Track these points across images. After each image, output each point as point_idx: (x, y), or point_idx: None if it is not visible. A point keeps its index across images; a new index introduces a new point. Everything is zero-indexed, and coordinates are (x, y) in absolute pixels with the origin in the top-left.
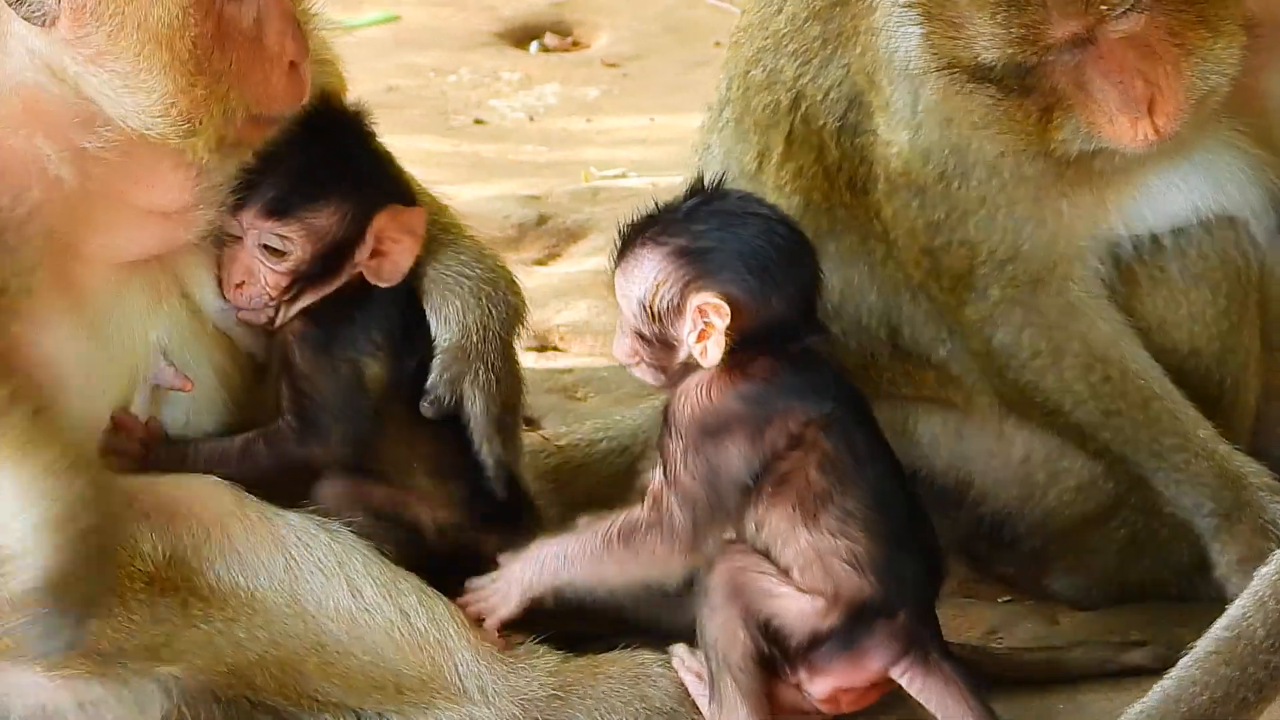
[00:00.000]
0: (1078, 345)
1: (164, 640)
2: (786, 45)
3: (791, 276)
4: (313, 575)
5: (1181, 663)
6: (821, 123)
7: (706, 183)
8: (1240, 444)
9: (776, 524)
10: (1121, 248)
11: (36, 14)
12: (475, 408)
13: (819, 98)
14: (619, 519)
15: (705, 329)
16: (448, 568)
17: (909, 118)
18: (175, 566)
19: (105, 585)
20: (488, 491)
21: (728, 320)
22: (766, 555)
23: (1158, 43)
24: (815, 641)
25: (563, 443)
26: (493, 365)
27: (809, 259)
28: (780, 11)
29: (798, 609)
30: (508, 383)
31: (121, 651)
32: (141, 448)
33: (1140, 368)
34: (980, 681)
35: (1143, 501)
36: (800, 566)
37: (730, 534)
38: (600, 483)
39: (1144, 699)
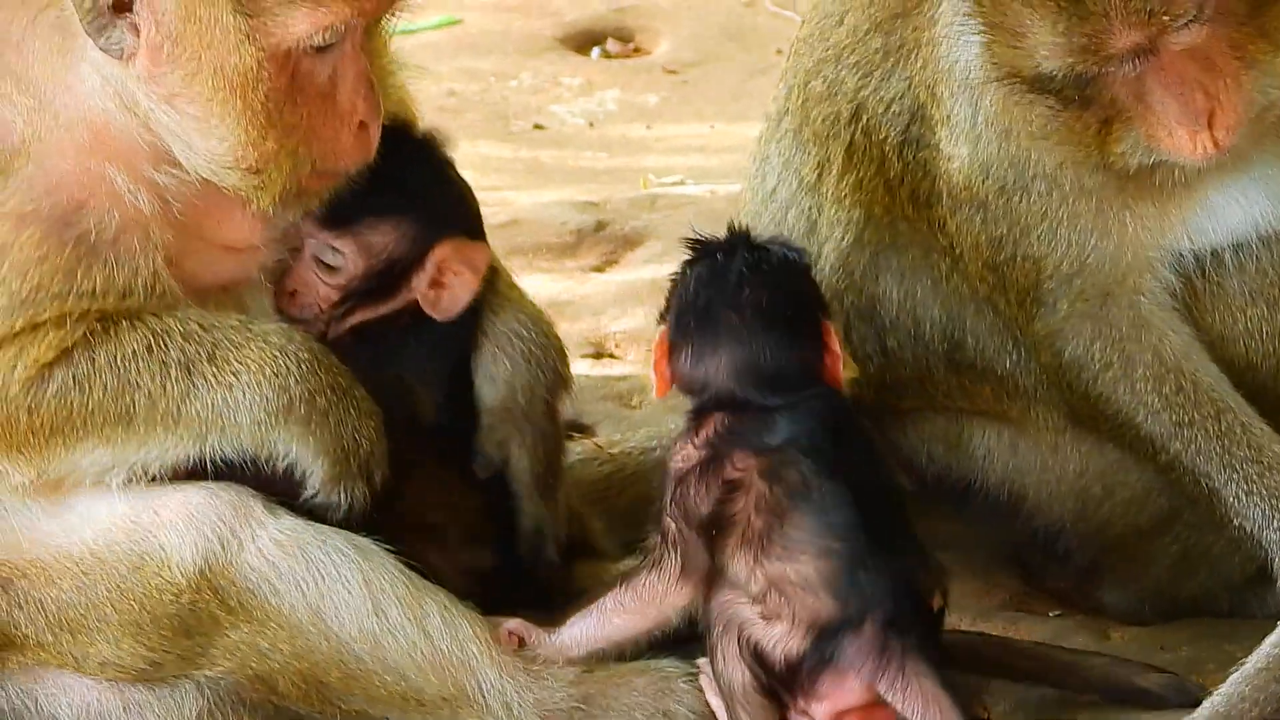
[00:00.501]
0: (1150, 357)
1: (199, 649)
2: (847, 57)
3: (729, 351)
4: (337, 593)
5: (1231, 679)
6: (883, 135)
7: (742, 236)
8: None
9: (737, 559)
10: (1184, 261)
11: (115, 46)
12: (520, 468)
13: (880, 110)
14: (625, 577)
15: (657, 362)
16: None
17: (969, 131)
18: (206, 577)
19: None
20: (513, 564)
21: (664, 360)
22: (739, 588)
23: (1218, 55)
24: (792, 665)
25: (615, 450)
26: (539, 429)
27: (758, 339)
28: (841, 23)
29: (769, 636)
30: (551, 448)
31: (159, 666)
32: None
33: (1212, 380)
34: (967, 698)
35: (1196, 517)
36: (760, 594)
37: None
38: (652, 490)
39: (1193, 713)
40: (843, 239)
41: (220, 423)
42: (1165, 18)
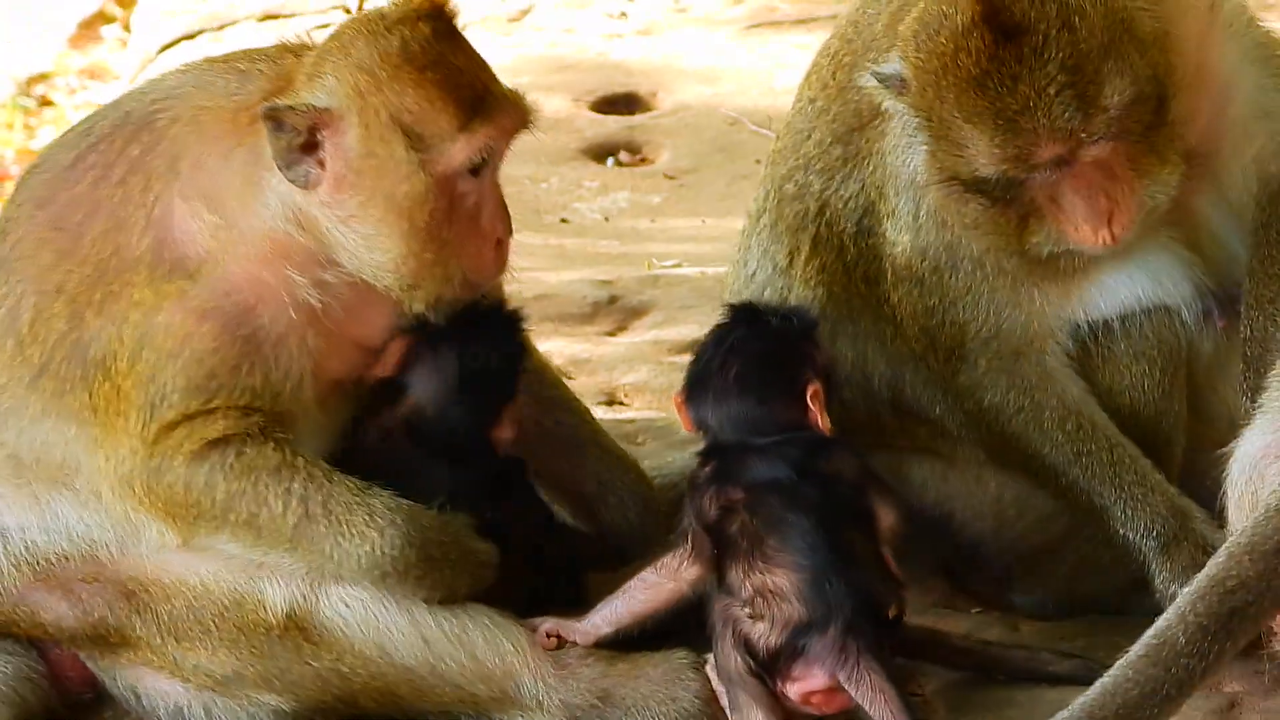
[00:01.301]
0: (1055, 402)
1: (278, 674)
2: (814, 164)
3: (725, 411)
4: (391, 631)
5: (1118, 663)
6: (841, 227)
7: (748, 310)
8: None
9: (732, 571)
10: (1080, 329)
11: (301, 178)
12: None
13: (840, 206)
14: (651, 560)
15: (678, 407)
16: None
17: (911, 222)
18: (292, 619)
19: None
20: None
21: (681, 407)
22: (734, 594)
23: (1119, 166)
24: (772, 655)
25: None
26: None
27: (750, 401)
28: (809, 138)
29: (756, 632)
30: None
31: (241, 678)
32: None
33: (1104, 421)
34: (911, 696)
35: (1091, 534)
36: (749, 599)
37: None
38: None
39: (1087, 692)
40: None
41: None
42: (1082, 135)
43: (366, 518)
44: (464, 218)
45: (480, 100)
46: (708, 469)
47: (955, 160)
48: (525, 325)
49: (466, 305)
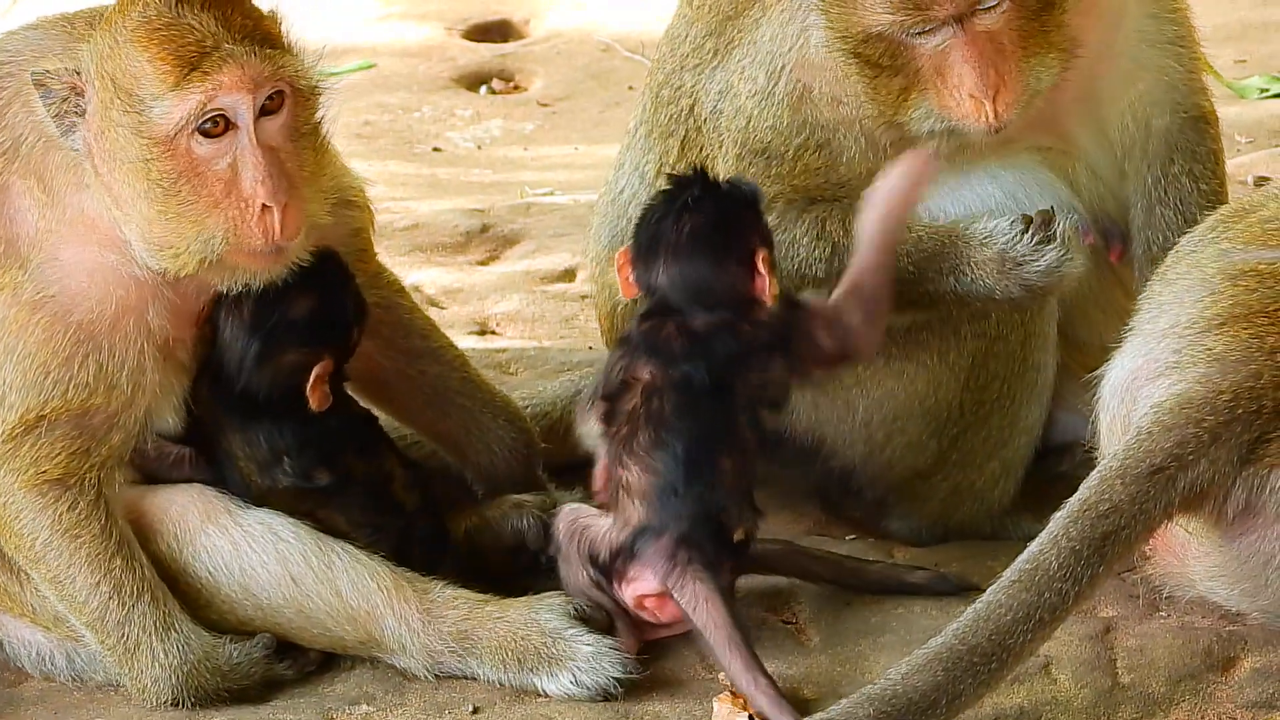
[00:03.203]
0: None
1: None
2: (689, 62)
3: (676, 269)
4: (258, 572)
5: (991, 588)
6: (703, 116)
7: (700, 174)
8: (1041, 417)
9: (608, 450)
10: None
11: (76, 144)
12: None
13: (704, 97)
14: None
15: (620, 268)
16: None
17: (765, 98)
18: (159, 565)
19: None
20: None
21: (624, 269)
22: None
23: (1008, 42)
24: (613, 555)
25: None
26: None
27: (697, 264)
28: (686, 38)
29: (603, 529)
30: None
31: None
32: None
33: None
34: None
35: (962, 458)
36: (612, 491)
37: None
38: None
39: (961, 617)
40: None
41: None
42: None
43: (149, 659)
44: (213, 180)
45: (200, 59)
46: (639, 332)
47: (849, 17)
48: (348, 288)
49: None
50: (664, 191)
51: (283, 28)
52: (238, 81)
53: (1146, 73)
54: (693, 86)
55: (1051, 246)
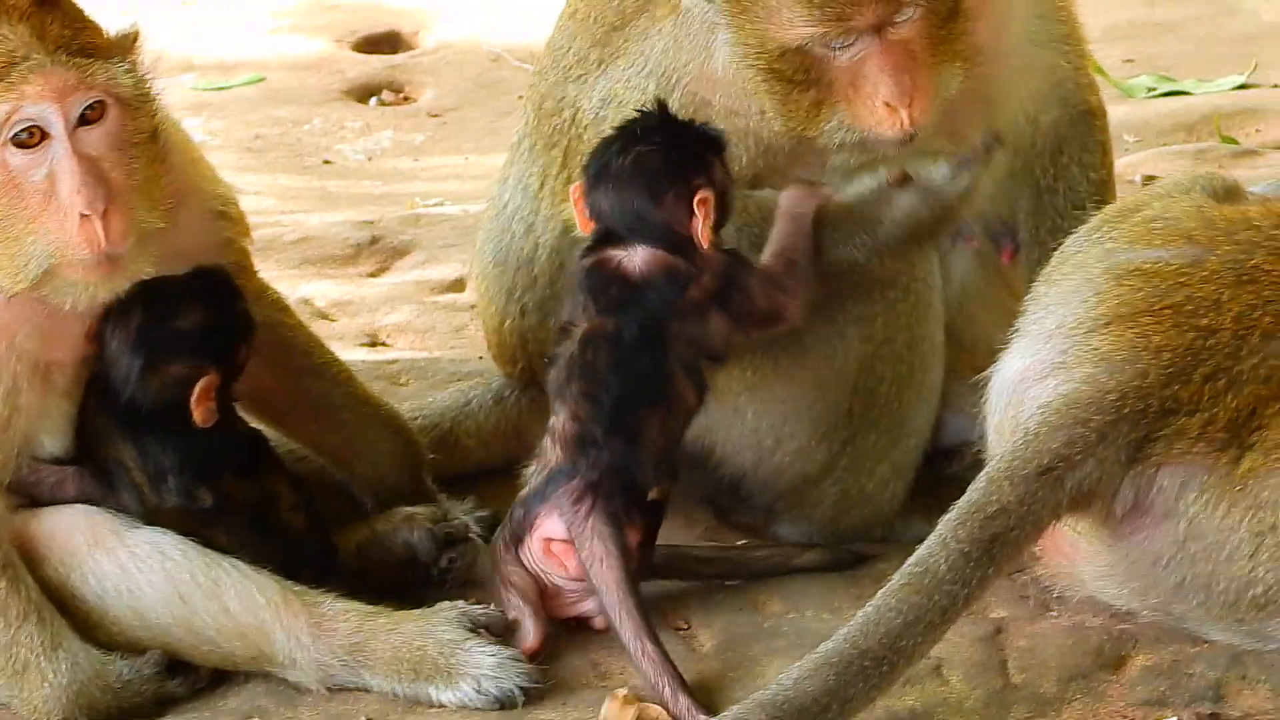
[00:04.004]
0: None
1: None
2: (573, 73)
3: (617, 195)
4: (146, 591)
5: (881, 593)
6: (586, 123)
7: (662, 112)
8: (929, 420)
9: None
10: None
11: None
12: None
13: (587, 107)
14: None
15: (575, 201)
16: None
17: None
18: (46, 589)
19: None
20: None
21: (579, 202)
22: None
23: (919, 50)
24: (526, 500)
25: None
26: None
27: (635, 191)
28: (569, 50)
29: (527, 479)
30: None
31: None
32: None
33: None
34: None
35: (852, 462)
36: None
37: None
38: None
39: (851, 622)
40: (558, 231)
41: None
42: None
43: (39, 679)
44: (30, 193)
45: (7, 70)
46: (580, 269)
47: (764, 33)
48: (233, 303)
49: (182, 275)
50: (622, 124)
51: (113, 39)
52: (44, 91)
53: (1035, 72)
54: (575, 97)
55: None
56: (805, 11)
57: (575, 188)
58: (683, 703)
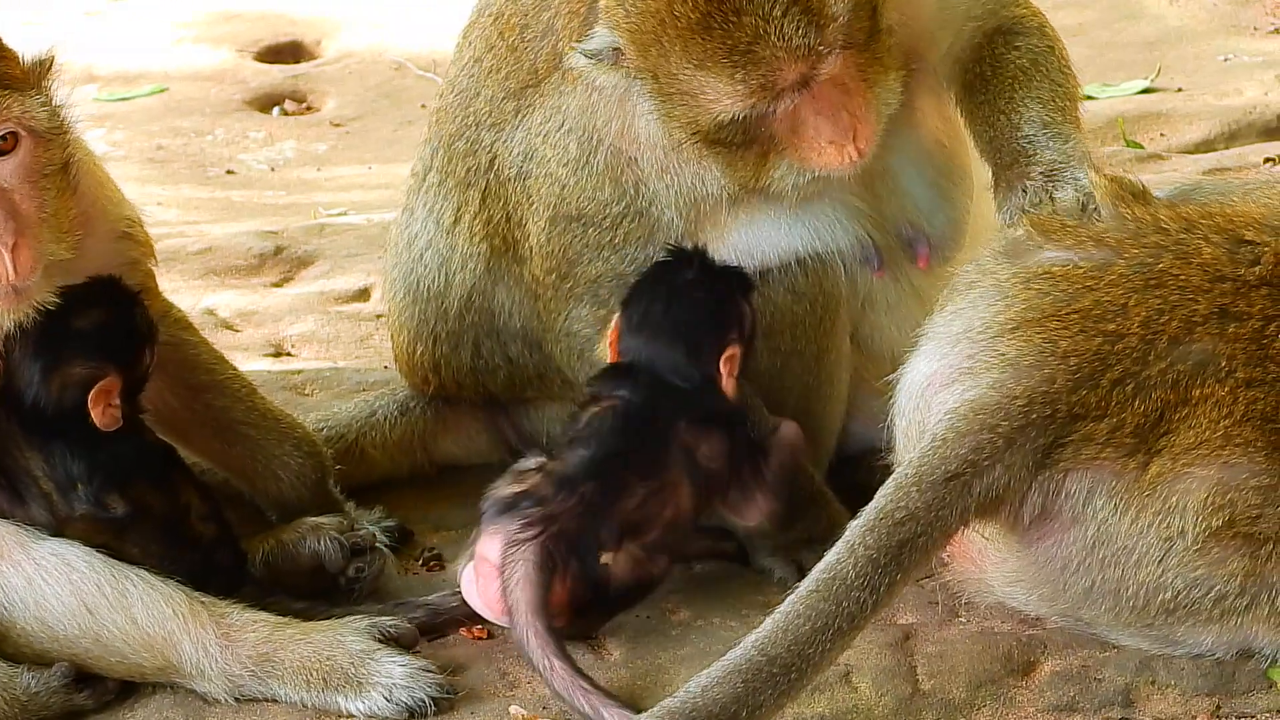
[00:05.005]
0: None
1: None
2: (486, 121)
3: (654, 345)
4: (52, 603)
5: (789, 599)
6: (507, 174)
7: (697, 253)
8: (836, 429)
9: None
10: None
11: None
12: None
13: (507, 156)
14: None
15: (612, 342)
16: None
17: (577, 168)
18: None
19: None
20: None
21: (614, 340)
22: None
23: (851, 81)
24: (497, 506)
25: None
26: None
27: (673, 347)
28: (478, 95)
29: None
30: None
31: None
32: None
33: None
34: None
35: None
36: None
37: None
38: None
39: (759, 628)
40: (475, 269)
41: None
42: (820, 48)
43: None
44: None
45: None
46: (617, 371)
47: (693, 112)
48: (132, 308)
49: (82, 282)
50: (660, 265)
51: (28, 70)
52: None
53: (944, 39)
54: (492, 143)
55: None
56: (730, 89)
57: (613, 329)
58: (600, 707)
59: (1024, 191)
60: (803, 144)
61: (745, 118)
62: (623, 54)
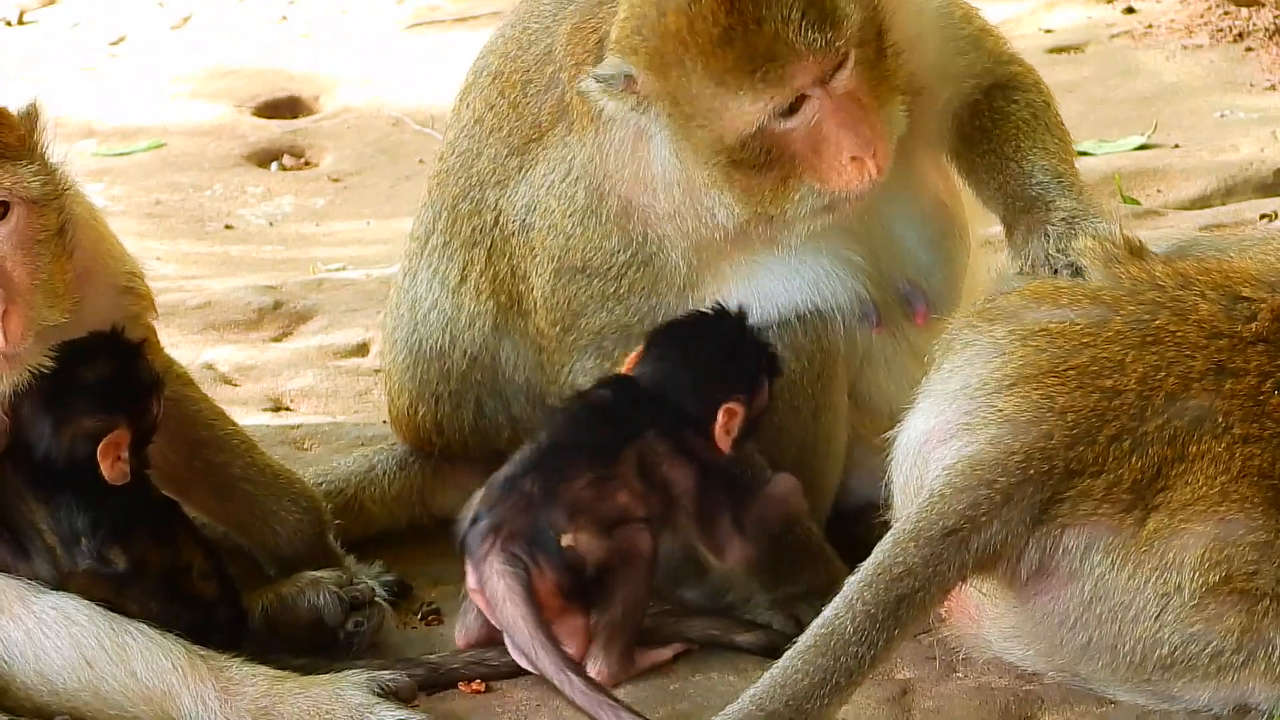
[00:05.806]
0: None
1: None
2: (490, 180)
3: (664, 372)
4: (52, 657)
5: (787, 654)
6: (511, 229)
7: (737, 317)
8: (834, 485)
9: None
10: None
11: None
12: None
13: (511, 211)
14: None
15: (630, 362)
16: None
17: (583, 216)
18: None
19: None
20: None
21: (632, 361)
22: None
23: (865, 97)
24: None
25: None
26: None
27: (686, 384)
28: (480, 155)
29: None
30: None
31: None
32: None
33: None
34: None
35: None
36: None
37: None
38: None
39: (757, 684)
40: (483, 326)
41: None
42: (838, 45)
43: None
44: None
45: None
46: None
47: (717, 130)
48: (139, 360)
49: (87, 336)
50: (700, 312)
51: (23, 137)
52: None
53: (943, 92)
54: (497, 200)
55: None
56: (752, 95)
57: (635, 353)
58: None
59: (1046, 237)
60: (823, 161)
61: (768, 131)
62: (635, 81)
